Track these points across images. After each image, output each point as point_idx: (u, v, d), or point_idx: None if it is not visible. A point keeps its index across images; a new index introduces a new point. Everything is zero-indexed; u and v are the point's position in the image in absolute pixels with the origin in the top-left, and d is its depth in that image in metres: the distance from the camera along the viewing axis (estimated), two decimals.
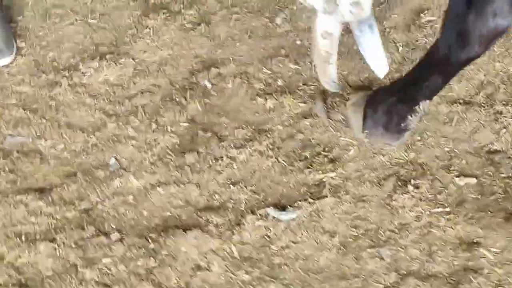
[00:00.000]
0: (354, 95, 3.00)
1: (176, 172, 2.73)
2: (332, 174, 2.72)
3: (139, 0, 3.44)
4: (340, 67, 3.05)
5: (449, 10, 2.43)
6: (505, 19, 2.27)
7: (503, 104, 2.94)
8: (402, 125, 2.74)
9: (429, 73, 2.56)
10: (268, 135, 2.85)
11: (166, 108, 2.94)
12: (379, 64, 2.65)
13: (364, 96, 2.91)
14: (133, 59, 3.15)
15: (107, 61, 3.12)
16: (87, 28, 3.32)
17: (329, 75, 2.64)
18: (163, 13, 3.32)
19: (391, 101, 2.73)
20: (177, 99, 2.97)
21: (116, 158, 2.78)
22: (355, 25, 2.52)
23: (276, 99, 2.97)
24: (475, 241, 2.54)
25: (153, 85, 3.05)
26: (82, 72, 3.09)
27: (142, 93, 3.01)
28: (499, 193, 2.68)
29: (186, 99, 2.97)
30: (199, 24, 3.30)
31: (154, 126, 2.86)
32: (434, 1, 3.39)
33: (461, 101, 2.97)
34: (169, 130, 2.86)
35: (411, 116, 2.71)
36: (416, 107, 2.67)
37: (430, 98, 2.68)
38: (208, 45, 3.23)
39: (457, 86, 3.01)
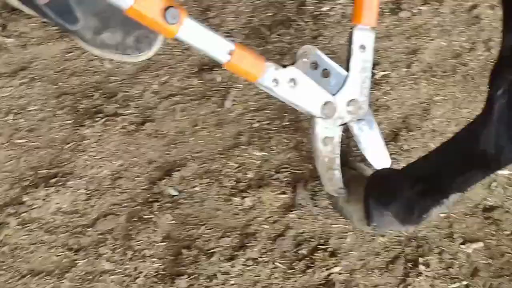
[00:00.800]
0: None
1: None
2: (337, 269, 2.79)
3: (65, 108, 3.40)
4: None
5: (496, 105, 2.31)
6: None
7: None
8: (424, 216, 2.67)
9: (466, 168, 2.45)
10: (257, 239, 2.90)
11: (136, 229, 2.92)
12: (381, 159, 2.75)
13: (358, 184, 2.93)
14: (81, 178, 3.11)
15: (53, 187, 3.05)
16: (17, 151, 3.24)
17: (335, 181, 2.71)
18: (99, 118, 3.29)
19: (410, 195, 2.65)
20: (145, 216, 2.96)
21: None
22: (354, 124, 2.61)
23: (253, 196, 3.02)
24: None
25: (113, 205, 3.03)
26: (28, 205, 3.00)
27: (104, 216, 2.98)
28: (509, 253, 2.85)
29: (154, 214, 2.96)
30: (142, 124, 3.29)
31: (129, 253, 2.83)
32: (382, 55, 3.56)
33: None
34: (148, 255, 2.84)
35: (435, 209, 2.63)
36: (445, 199, 2.59)
37: (464, 191, 2.60)
38: (159, 146, 3.23)
39: (433, 144, 3.17)
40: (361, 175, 3.04)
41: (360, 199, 2.90)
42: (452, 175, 2.52)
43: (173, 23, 2.30)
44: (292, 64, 2.61)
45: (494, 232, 2.92)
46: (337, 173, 2.78)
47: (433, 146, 3.09)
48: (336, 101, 2.66)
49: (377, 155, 2.87)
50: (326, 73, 2.69)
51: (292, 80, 2.55)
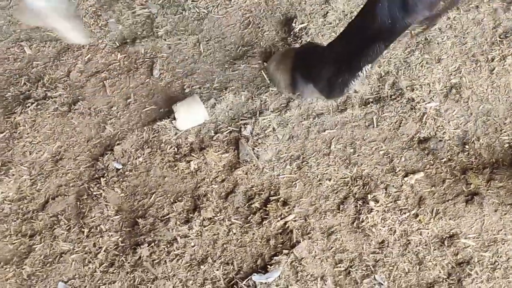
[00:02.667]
0: (277, 54, 3.25)
1: (137, 272, 2.72)
2: (292, 217, 2.86)
3: None
4: None
5: None
6: None
7: (410, 90, 3.21)
8: (345, 90, 2.98)
9: (370, 41, 2.75)
10: (209, 199, 2.92)
11: (87, 206, 2.90)
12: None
13: (287, 55, 3.15)
14: (21, 165, 3.05)
15: None
16: None
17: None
18: (29, 104, 3.22)
19: (330, 72, 2.93)
20: (94, 193, 2.94)
21: (63, 282, 2.72)
22: None
23: (197, 158, 3.04)
24: (451, 233, 2.81)
25: (59, 186, 2.99)
26: None
27: (53, 199, 2.94)
28: (449, 179, 2.97)
29: (103, 190, 2.95)
30: (74, 104, 3.25)
31: (85, 230, 2.82)
32: (297, 8, 3.60)
33: (371, 99, 3.21)
34: (105, 230, 2.84)
35: (354, 81, 2.93)
36: (359, 72, 2.89)
37: (371, 63, 2.88)
38: (95, 124, 3.21)
39: (359, 87, 3.24)
40: (291, 48, 3.30)
41: (288, 69, 3.13)
42: (361, 50, 2.81)
43: None
44: None
45: (432, 162, 3.02)
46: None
47: None
48: None
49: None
50: None
51: None
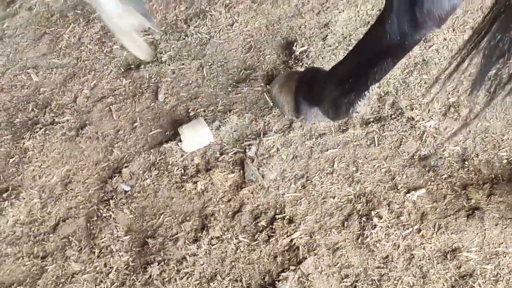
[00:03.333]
0: (280, 77, 3.32)
1: None
2: (298, 234, 2.92)
3: (1, 124, 3.39)
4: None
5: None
6: None
7: (410, 109, 3.28)
8: (351, 110, 3.01)
9: (379, 59, 2.76)
10: (216, 218, 2.98)
11: (98, 227, 2.96)
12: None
13: (290, 79, 3.22)
14: (31, 188, 3.11)
15: (6, 201, 3.05)
16: None
17: (137, 41, 3.03)
18: (37, 129, 3.30)
19: (336, 94, 2.96)
20: (103, 214, 3.00)
21: None
22: None
23: (204, 179, 3.10)
24: (454, 247, 2.86)
25: (69, 209, 3.05)
26: None
27: (64, 221, 3.00)
28: (450, 194, 3.03)
29: (112, 211, 3.01)
30: (81, 128, 3.33)
31: (96, 251, 2.88)
32: (297, 32, 3.68)
33: (372, 119, 3.28)
34: (115, 250, 2.89)
35: (360, 101, 2.96)
36: (366, 91, 2.92)
37: (379, 81, 2.90)
38: (103, 147, 3.28)
39: (362, 108, 3.31)
40: (294, 71, 3.35)
41: (291, 92, 3.21)
42: (369, 69, 2.81)
43: None
44: None
45: (433, 178, 3.08)
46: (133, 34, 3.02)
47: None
48: None
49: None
50: None
51: None
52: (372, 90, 2.92)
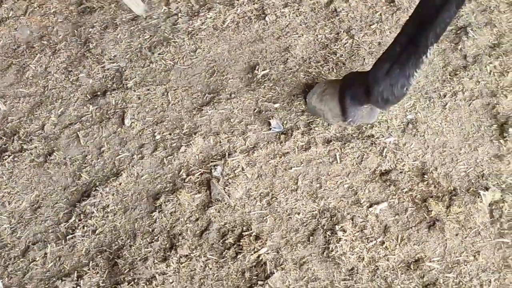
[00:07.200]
0: (317, 87, 3.35)
1: None
2: (264, 250, 2.93)
3: None
4: None
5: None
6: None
7: (370, 127, 3.31)
8: (409, 84, 3.00)
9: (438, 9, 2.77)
10: (184, 237, 2.98)
11: (67, 250, 2.93)
12: None
13: (329, 86, 3.27)
14: (1, 214, 3.10)
15: None
16: None
17: None
18: (6, 156, 3.29)
19: (392, 71, 2.95)
20: (73, 237, 2.98)
21: None
22: None
23: (171, 200, 3.10)
24: (417, 258, 2.89)
25: (39, 233, 3.03)
26: None
27: (33, 244, 2.97)
28: (411, 207, 3.05)
29: (82, 233, 2.99)
30: (50, 154, 3.33)
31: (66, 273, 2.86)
32: (258, 56, 3.72)
33: (334, 138, 3.31)
34: (85, 271, 2.86)
35: (417, 71, 2.95)
36: (424, 56, 2.91)
37: (438, 39, 2.90)
38: (71, 172, 3.27)
39: (321, 127, 3.34)
40: (331, 79, 3.41)
41: (334, 98, 3.23)
42: (427, 25, 2.81)
43: None
44: None
45: (394, 192, 3.11)
46: None
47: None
48: None
49: None
50: None
51: None
52: (430, 52, 2.90)
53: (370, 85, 3.08)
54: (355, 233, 2.98)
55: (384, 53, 3.11)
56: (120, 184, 3.20)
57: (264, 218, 3.06)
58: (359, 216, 3.04)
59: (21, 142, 3.39)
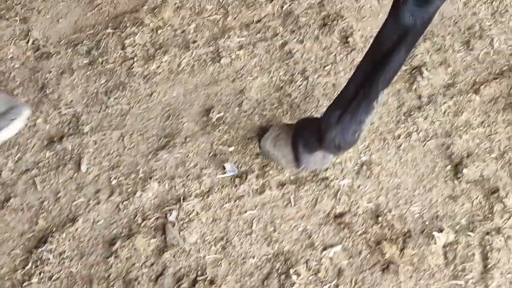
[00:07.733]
0: (271, 131, 3.35)
1: None
2: None
3: None
4: None
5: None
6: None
7: (323, 170, 3.35)
8: (360, 131, 3.03)
9: (390, 52, 2.79)
10: (140, 282, 2.99)
11: None
12: None
13: (282, 131, 3.27)
14: None
15: None
16: None
17: None
18: None
19: (343, 117, 2.97)
20: (30, 284, 2.99)
21: None
22: None
23: (127, 245, 3.11)
24: None
25: None
26: None
27: None
28: (365, 250, 3.09)
29: (39, 281, 2.99)
30: (7, 201, 3.32)
31: None
32: (213, 99, 3.75)
33: (288, 181, 3.34)
34: None
35: (368, 117, 2.98)
36: (375, 102, 2.95)
37: (389, 84, 2.95)
38: (28, 218, 3.26)
39: (275, 170, 3.37)
40: (283, 124, 3.42)
41: (287, 145, 3.25)
42: (380, 70, 2.85)
43: None
44: None
45: (348, 235, 3.14)
46: None
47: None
48: None
49: None
50: None
51: None
52: (380, 97, 2.93)
53: (322, 132, 3.10)
54: (309, 276, 3.01)
55: (335, 99, 3.14)
56: (76, 230, 3.21)
57: (219, 263, 3.08)
58: (313, 260, 3.07)
59: None
